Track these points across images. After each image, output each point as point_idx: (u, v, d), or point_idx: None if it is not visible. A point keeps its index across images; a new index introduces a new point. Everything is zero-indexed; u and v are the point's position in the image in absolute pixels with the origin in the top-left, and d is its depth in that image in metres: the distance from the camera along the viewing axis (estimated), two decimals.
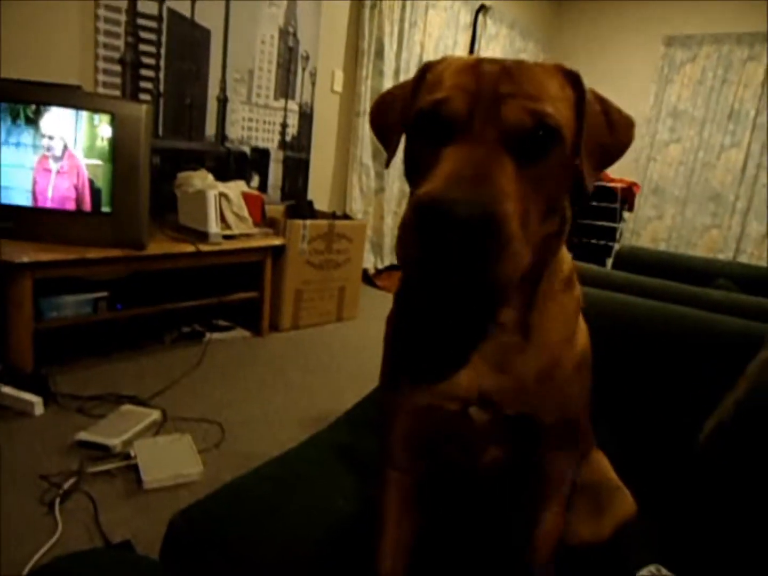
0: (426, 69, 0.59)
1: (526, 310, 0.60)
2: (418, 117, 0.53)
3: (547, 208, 0.53)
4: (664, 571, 0.77)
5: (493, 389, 0.61)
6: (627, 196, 4.15)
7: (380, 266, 4.25)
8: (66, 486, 1.51)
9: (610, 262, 3.84)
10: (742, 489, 0.82)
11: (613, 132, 0.59)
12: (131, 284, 2.44)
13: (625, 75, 5.40)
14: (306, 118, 3.56)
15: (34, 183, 2.07)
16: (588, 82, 0.60)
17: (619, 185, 4.11)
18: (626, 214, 4.37)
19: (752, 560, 0.79)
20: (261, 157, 3.35)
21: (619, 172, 4.41)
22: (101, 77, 2.50)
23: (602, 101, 0.59)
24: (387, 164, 0.65)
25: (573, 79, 0.57)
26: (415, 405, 0.64)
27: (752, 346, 1.00)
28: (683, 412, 1.12)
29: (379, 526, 0.70)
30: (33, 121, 2.02)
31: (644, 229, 5.46)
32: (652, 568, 0.78)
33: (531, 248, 0.49)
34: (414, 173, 0.54)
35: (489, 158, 0.47)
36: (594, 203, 4.11)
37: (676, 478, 0.97)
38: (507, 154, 0.48)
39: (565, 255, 0.66)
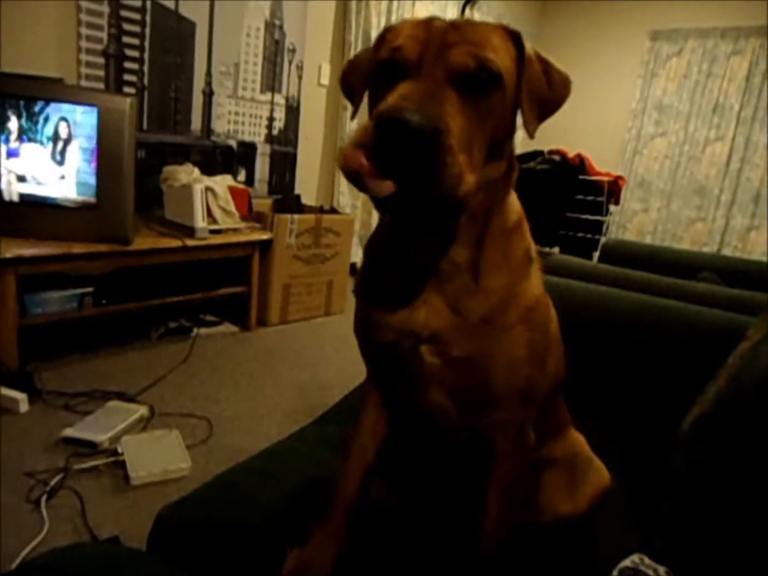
0: (386, 31, 0.65)
1: (476, 251, 0.65)
2: (378, 66, 0.61)
3: (490, 146, 0.59)
4: (647, 560, 0.78)
5: (442, 329, 0.65)
6: (613, 189, 4.17)
7: None
8: (52, 483, 1.50)
9: (596, 255, 3.87)
10: (724, 477, 0.83)
11: (552, 87, 0.64)
12: (117, 280, 2.42)
13: (611, 69, 5.43)
14: (293, 111, 3.54)
15: (17, 178, 2.04)
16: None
17: (605, 179, 4.13)
18: (612, 208, 4.39)
19: (736, 549, 0.80)
20: (248, 151, 3.33)
21: (605, 165, 4.44)
22: (84, 70, 2.46)
23: (542, 59, 0.64)
24: (353, 116, 0.72)
25: (515, 38, 0.63)
26: (378, 340, 0.70)
27: (734, 338, 1.01)
28: (667, 402, 1.13)
29: (358, 415, 0.81)
30: (14, 115, 1.99)
31: (630, 222, 5.51)
32: (635, 557, 0.79)
33: (476, 177, 0.55)
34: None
35: (435, 88, 0.54)
36: (580, 197, 4.13)
37: (661, 466, 0.98)
38: (451, 90, 0.55)
39: (514, 204, 0.70)
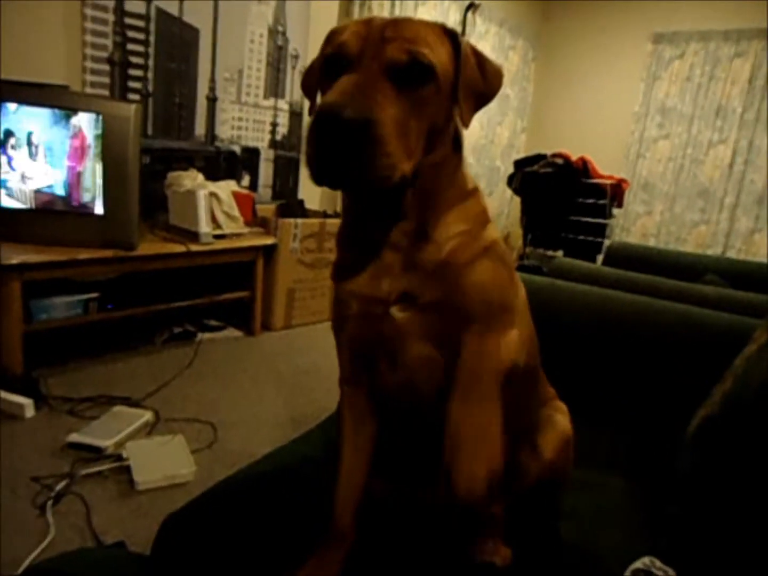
0: (332, 33, 0.69)
1: (426, 220, 0.70)
2: (324, 61, 0.65)
3: (430, 133, 0.64)
4: (658, 563, 0.78)
5: (407, 286, 0.69)
6: (616, 192, 4.17)
7: None
8: (58, 488, 1.50)
9: (600, 258, 3.87)
10: (730, 479, 0.83)
11: (486, 79, 0.69)
12: (122, 285, 2.43)
13: (614, 72, 5.43)
14: (296, 117, 3.55)
15: (24, 184, 2.05)
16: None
17: (608, 182, 4.12)
18: (616, 211, 4.39)
19: (742, 550, 0.80)
20: (251, 156, 3.34)
21: (608, 168, 4.44)
22: (89, 77, 2.48)
23: (477, 54, 0.69)
24: (310, 112, 0.75)
25: (451, 36, 0.67)
26: (351, 314, 0.74)
27: (740, 340, 1.01)
28: (672, 405, 1.13)
29: (340, 433, 0.81)
30: (21, 122, 2.00)
31: (634, 225, 5.50)
32: (646, 560, 0.78)
33: (413, 162, 0.61)
34: None
35: (371, 81, 0.58)
36: (583, 200, 4.13)
37: (667, 468, 0.98)
38: (387, 82, 0.59)
39: (468, 180, 0.75)
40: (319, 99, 0.71)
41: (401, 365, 0.73)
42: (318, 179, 0.60)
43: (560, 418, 0.89)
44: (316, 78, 0.72)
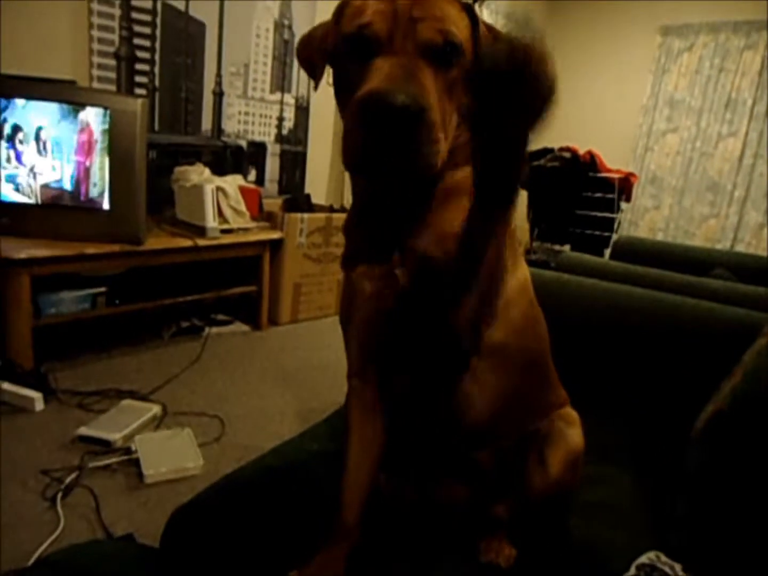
0: (343, 5, 0.66)
1: (431, 204, 0.68)
2: (344, 41, 0.62)
3: (457, 114, 0.62)
4: (663, 557, 0.78)
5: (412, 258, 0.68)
6: (624, 186, 4.13)
7: None
8: (68, 481, 1.51)
9: (608, 252, 3.84)
10: (739, 475, 0.82)
11: None
12: (129, 280, 2.44)
13: (622, 65, 5.38)
14: (302, 111, 3.55)
15: (31, 179, 2.06)
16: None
17: (616, 176, 4.09)
18: (624, 205, 4.35)
19: (750, 546, 0.79)
20: (258, 150, 3.34)
21: (616, 162, 4.40)
22: (96, 72, 2.48)
23: (491, 28, 0.68)
24: (315, 88, 0.74)
25: (468, 9, 0.66)
26: (364, 297, 0.72)
27: (749, 335, 1.00)
28: (681, 400, 1.12)
29: (347, 428, 0.80)
30: (29, 117, 2.01)
31: (642, 219, 5.46)
32: (651, 554, 0.78)
33: (447, 146, 0.59)
34: (345, 93, 0.62)
35: (412, 64, 0.57)
36: (591, 194, 4.10)
37: (675, 464, 0.98)
38: (425, 64, 0.58)
39: (468, 169, 0.71)
40: (328, 76, 0.69)
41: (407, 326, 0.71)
42: (362, 169, 0.58)
43: (572, 433, 0.85)
44: (321, 54, 0.69)
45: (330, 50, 0.67)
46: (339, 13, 0.66)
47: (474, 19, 0.66)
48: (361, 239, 0.75)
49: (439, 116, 0.57)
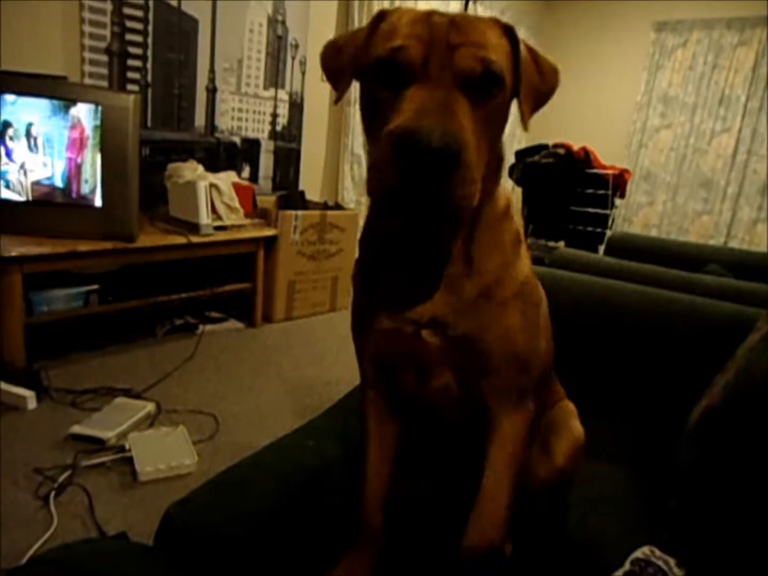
0: (380, 18, 0.63)
1: (470, 241, 0.67)
2: (376, 63, 0.58)
3: (489, 145, 0.59)
4: (657, 552, 0.78)
5: (441, 312, 0.67)
6: (618, 182, 4.14)
7: None
8: (61, 479, 1.51)
9: (602, 248, 3.85)
10: (731, 470, 0.83)
11: (543, 77, 0.65)
12: (122, 277, 2.42)
13: (616, 61, 5.39)
14: (296, 107, 3.53)
15: (22, 176, 2.04)
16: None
17: (610, 172, 4.10)
18: (618, 201, 4.36)
19: (742, 541, 0.80)
20: (251, 147, 3.32)
21: (610, 158, 4.41)
22: (87, 67, 2.46)
23: (531, 51, 0.65)
24: (336, 101, 0.71)
25: (508, 31, 0.62)
26: (379, 329, 0.71)
27: (742, 330, 1.00)
28: (674, 395, 1.13)
29: (365, 435, 0.80)
30: (19, 113, 1.99)
31: (636, 215, 5.48)
32: (646, 549, 0.79)
33: (481, 181, 0.56)
34: (373, 118, 0.59)
35: (448, 97, 0.53)
36: (586, 190, 4.11)
37: (668, 459, 0.98)
38: (461, 96, 0.54)
39: (502, 190, 0.72)
40: (353, 89, 0.66)
41: (427, 381, 0.72)
42: (390, 206, 0.55)
43: (576, 424, 0.88)
44: (349, 69, 0.65)
45: (358, 66, 0.63)
46: (374, 24, 0.63)
47: (515, 42, 0.62)
48: (380, 261, 0.72)
49: (476, 155, 0.54)
